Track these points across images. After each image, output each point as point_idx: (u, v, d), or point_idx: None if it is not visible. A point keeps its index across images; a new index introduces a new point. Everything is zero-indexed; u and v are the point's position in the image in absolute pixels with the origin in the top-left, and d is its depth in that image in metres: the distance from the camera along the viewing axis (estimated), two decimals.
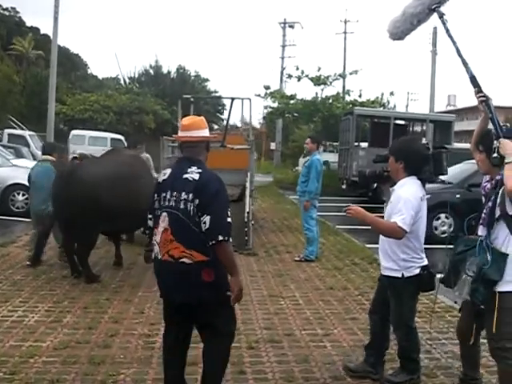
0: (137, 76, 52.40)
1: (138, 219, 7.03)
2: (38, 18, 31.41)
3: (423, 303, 7.31)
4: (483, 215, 4.54)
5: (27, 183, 10.07)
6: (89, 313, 7.14)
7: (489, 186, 4.63)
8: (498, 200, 4.32)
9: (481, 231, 4.54)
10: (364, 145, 25.28)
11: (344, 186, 24.32)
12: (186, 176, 4.22)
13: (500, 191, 4.29)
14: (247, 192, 12.87)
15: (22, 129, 32.61)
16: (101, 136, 33.97)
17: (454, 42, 4.68)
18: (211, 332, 4.37)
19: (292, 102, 30.71)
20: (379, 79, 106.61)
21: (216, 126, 46.69)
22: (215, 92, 52.92)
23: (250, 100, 16.16)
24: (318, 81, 29.72)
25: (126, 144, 22.64)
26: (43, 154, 10.06)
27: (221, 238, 4.06)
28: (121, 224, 9.06)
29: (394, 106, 44.94)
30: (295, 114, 31.99)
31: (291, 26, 48.62)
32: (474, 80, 4.56)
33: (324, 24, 64.10)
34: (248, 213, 11.76)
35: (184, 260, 4.11)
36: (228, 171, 14.20)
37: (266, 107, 33.92)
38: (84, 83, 48.69)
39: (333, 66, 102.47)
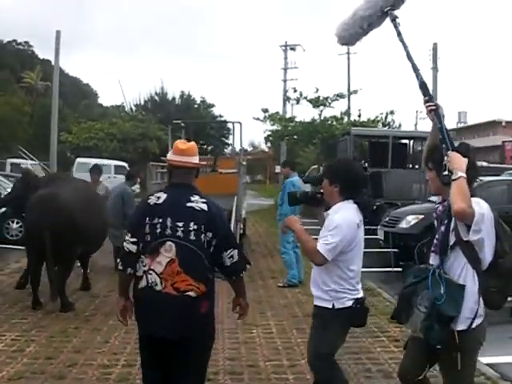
0: (142, 103, 52.86)
1: (101, 240, 8.70)
2: (50, 50, 32.00)
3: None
4: (435, 241, 4.04)
5: None
6: (53, 342, 7.06)
7: (441, 208, 4.11)
8: (452, 224, 3.86)
9: (433, 259, 4.02)
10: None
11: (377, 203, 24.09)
12: (190, 205, 4.09)
13: None
14: (233, 217, 12.78)
15: (32, 158, 32.87)
16: (105, 163, 34.08)
17: (405, 46, 4.32)
18: (193, 368, 4.13)
19: (291, 124, 30.65)
20: (385, 98, 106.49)
21: (226, 150, 46.88)
22: (220, 117, 53.21)
23: (241, 124, 16.31)
24: (316, 102, 29.64)
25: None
26: None
27: (248, 267, 4.23)
28: (91, 246, 9.47)
29: (400, 125, 44.80)
30: (295, 137, 31.88)
31: (292, 49, 48.75)
32: (423, 87, 4.19)
33: (326, 45, 64.16)
34: None
35: (190, 293, 3.97)
36: (216, 196, 14.17)
37: (265, 131, 33.83)
38: (89, 112, 49.15)
39: (336, 87, 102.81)
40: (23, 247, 10.49)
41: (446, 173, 3.81)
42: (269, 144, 57.07)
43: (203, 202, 4.15)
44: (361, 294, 4.52)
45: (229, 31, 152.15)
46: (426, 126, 36.27)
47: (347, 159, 6.13)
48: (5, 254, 13.65)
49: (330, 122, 29.81)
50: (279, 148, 44.86)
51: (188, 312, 4.00)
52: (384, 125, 33.42)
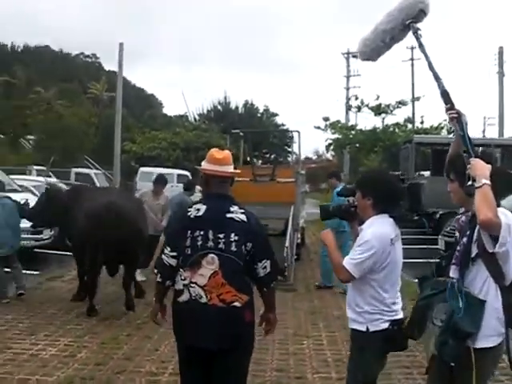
0: (205, 112, 53.38)
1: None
2: (116, 62, 32.73)
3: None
4: (456, 253, 3.82)
5: None
6: (104, 348, 7.18)
7: (464, 219, 3.90)
8: (475, 236, 3.62)
9: (453, 272, 3.78)
10: (426, 174, 24.59)
11: (416, 217, 23.64)
12: (230, 216, 4.08)
13: (477, 226, 3.53)
14: (289, 226, 12.75)
15: (97, 168, 33.64)
16: (167, 172, 34.52)
17: (427, 57, 4.18)
18: (236, 376, 4.19)
19: (352, 132, 30.39)
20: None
21: (290, 159, 46.79)
22: (283, 125, 53.21)
23: (299, 133, 16.26)
24: (378, 110, 29.29)
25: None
26: None
27: (279, 278, 4.13)
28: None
29: None
30: (357, 145, 31.54)
31: (355, 56, 48.28)
32: (445, 95, 4.00)
33: (389, 52, 62.66)
34: (287, 247, 11.63)
35: (235, 304, 4.00)
36: (274, 205, 14.20)
37: (326, 139, 33.57)
38: (154, 122, 49.96)
39: (400, 94, 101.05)
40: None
41: (469, 183, 3.56)
42: (332, 152, 56.71)
43: (242, 213, 4.14)
44: (399, 315, 4.14)
45: (292, 40, 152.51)
46: (495, 132, 35.05)
47: (381, 170, 5.47)
48: (67, 261, 13.94)
49: (392, 130, 29.40)
50: (343, 156, 44.52)
51: (235, 322, 4.03)
52: (449, 132, 32.71)
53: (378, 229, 4.07)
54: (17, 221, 9.83)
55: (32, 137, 38.70)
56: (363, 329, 4.10)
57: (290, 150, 52.08)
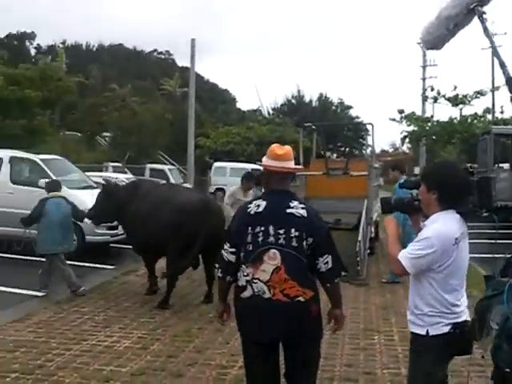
0: (279, 106, 53.51)
1: None
2: (189, 57, 33.26)
3: None
4: None
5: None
6: (176, 341, 7.31)
7: None
8: None
9: None
10: (506, 166, 23.81)
11: (485, 213, 22.95)
12: (290, 211, 4.07)
13: None
14: (362, 220, 12.62)
15: (172, 163, 34.20)
16: (241, 167, 34.76)
17: (492, 42, 4.11)
18: (303, 367, 4.21)
19: (428, 124, 29.70)
20: None
21: (365, 152, 46.36)
22: (357, 118, 52.71)
23: (372, 125, 16.04)
24: (455, 100, 28.50)
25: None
26: (49, 191, 10.22)
27: (343, 273, 4.17)
28: None
29: None
30: (433, 137, 30.78)
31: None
32: (510, 83, 3.87)
33: (468, 40, 60.68)
34: (360, 242, 11.52)
35: (299, 298, 4.00)
36: (347, 198, 14.08)
37: (401, 131, 32.92)
38: (228, 117, 50.39)
39: (478, 84, 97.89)
40: None
41: None
42: (408, 145, 55.79)
43: (302, 208, 4.13)
44: (462, 318, 3.86)
45: (367, 31, 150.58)
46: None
47: (448, 161, 4.93)
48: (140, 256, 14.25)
49: (469, 121, 28.59)
50: (419, 149, 43.73)
51: (300, 316, 4.04)
52: None
53: (442, 227, 3.79)
54: (69, 222, 9.96)
55: (108, 134, 39.68)
56: (423, 332, 3.86)
57: (364, 142, 52.01)
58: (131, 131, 33.45)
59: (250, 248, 4.05)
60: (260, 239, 4.03)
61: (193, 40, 28.37)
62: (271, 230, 4.02)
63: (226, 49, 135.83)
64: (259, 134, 40.82)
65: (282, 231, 4.01)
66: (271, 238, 4.01)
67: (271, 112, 52.81)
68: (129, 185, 11.12)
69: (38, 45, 72.03)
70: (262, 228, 4.04)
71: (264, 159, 4.31)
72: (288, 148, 4.33)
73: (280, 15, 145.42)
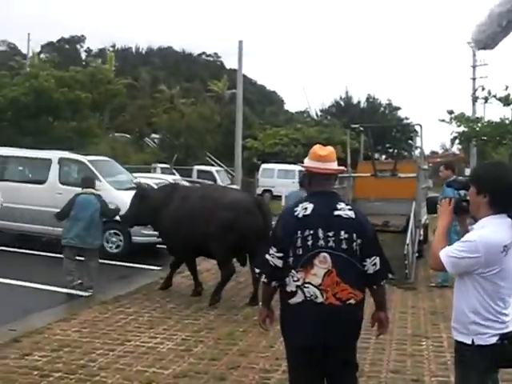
0: (327, 108, 53.37)
1: None
2: (237, 60, 33.33)
3: None
4: None
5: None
6: (220, 344, 7.24)
7: None
8: None
9: None
10: None
11: None
12: (338, 213, 4.01)
13: None
14: (411, 222, 12.38)
15: (219, 165, 34.34)
16: (289, 169, 34.75)
17: None
18: (349, 369, 4.17)
19: (478, 125, 28.98)
20: None
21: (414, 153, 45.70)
22: (406, 119, 52.06)
23: (421, 126, 15.72)
24: (506, 101, 27.69)
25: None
26: (83, 187, 10.33)
27: (390, 276, 4.13)
28: None
29: None
30: (484, 138, 30.02)
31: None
32: None
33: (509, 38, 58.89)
34: (408, 245, 11.28)
35: (351, 301, 3.96)
36: (395, 200, 13.86)
37: (451, 132, 32.21)
38: (275, 119, 50.40)
39: None
40: None
41: None
42: (458, 146, 54.84)
43: (349, 209, 4.07)
44: (510, 328, 3.61)
45: (415, 31, 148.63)
46: None
47: (500, 163, 4.54)
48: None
49: None
50: (469, 150, 42.90)
51: (352, 320, 4.03)
52: None
53: (490, 233, 3.56)
54: (96, 219, 9.99)
55: (156, 135, 40.06)
56: (468, 341, 3.62)
57: (412, 144, 51.20)
58: (179, 133, 33.68)
59: (300, 252, 3.96)
60: (310, 243, 3.95)
61: (240, 42, 28.41)
62: (320, 233, 3.95)
63: (274, 50, 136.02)
64: (307, 136, 40.74)
65: (331, 234, 3.95)
66: (321, 242, 3.95)
67: (319, 113, 52.73)
68: (164, 187, 11.19)
69: (89, 48, 73.38)
70: (311, 231, 3.96)
71: (306, 161, 4.24)
72: (330, 149, 4.24)
73: (328, 16, 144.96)
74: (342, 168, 4.39)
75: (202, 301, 9.42)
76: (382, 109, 53.96)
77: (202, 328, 7.94)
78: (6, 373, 6.10)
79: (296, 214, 4.04)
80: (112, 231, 13.25)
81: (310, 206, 4.04)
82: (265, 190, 35.77)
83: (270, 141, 41.15)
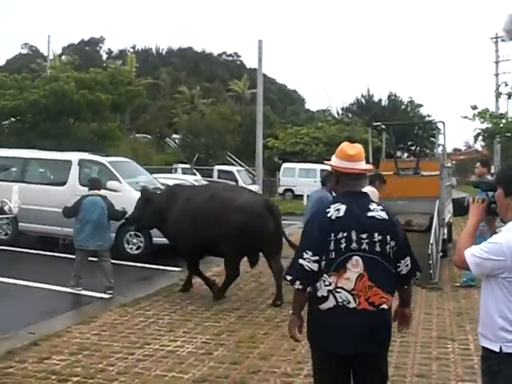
0: (348, 106, 53.15)
1: None
2: (257, 59, 33.24)
3: None
4: None
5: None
6: (241, 347, 7.10)
7: None
8: None
9: None
10: None
11: None
12: (371, 214, 3.88)
13: None
14: (435, 221, 12.15)
15: (240, 165, 34.27)
16: (310, 168, 34.62)
17: None
18: (379, 377, 4.00)
19: (503, 121, 28.59)
20: None
21: (435, 151, 45.26)
22: (428, 116, 51.60)
23: (444, 123, 15.53)
24: None
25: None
26: (90, 189, 10.37)
27: (418, 274, 4.08)
28: None
29: None
30: (507, 134, 29.61)
31: (504, 40, 45.65)
32: None
33: None
34: (432, 244, 11.06)
35: (383, 306, 3.83)
36: (418, 199, 13.64)
37: (475, 129, 31.83)
38: (296, 117, 50.26)
39: None
40: None
41: None
42: (482, 143, 54.24)
43: (382, 210, 3.94)
44: None
45: (436, 27, 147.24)
46: None
47: None
48: (207, 258, 14.13)
49: None
50: (493, 147, 42.38)
51: (385, 325, 3.92)
52: None
53: None
54: (103, 221, 10.01)
55: (177, 136, 40.11)
56: (496, 349, 3.38)
57: (435, 141, 50.79)
58: (199, 133, 33.67)
59: (333, 256, 3.81)
60: (343, 246, 3.81)
61: (260, 41, 28.27)
62: (354, 235, 3.82)
63: (294, 49, 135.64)
64: (328, 134, 40.57)
65: (364, 236, 3.82)
66: (354, 244, 3.81)
67: (340, 112, 52.50)
68: (169, 189, 11.12)
69: (109, 49, 73.70)
70: (345, 234, 3.82)
71: (334, 159, 4.07)
72: (359, 147, 4.08)
73: (347, 14, 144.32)
74: (371, 167, 4.23)
75: (222, 303, 9.31)
76: (404, 106, 53.59)
77: (223, 331, 7.81)
78: (24, 377, 6.05)
79: (329, 215, 3.88)
80: (132, 232, 13.17)
81: (342, 208, 3.89)
82: (286, 190, 35.68)
83: (291, 140, 41.06)
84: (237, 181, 26.53)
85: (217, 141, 33.44)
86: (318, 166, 34.73)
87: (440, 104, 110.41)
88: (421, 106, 53.77)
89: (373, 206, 3.93)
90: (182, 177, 21.52)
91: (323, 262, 3.82)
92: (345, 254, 3.79)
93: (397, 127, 26.27)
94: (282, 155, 40.83)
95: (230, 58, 74.21)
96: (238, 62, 72.72)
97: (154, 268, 12.28)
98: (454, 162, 20.89)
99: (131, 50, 65.49)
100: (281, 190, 35.93)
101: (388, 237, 3.85)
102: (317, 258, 3.81)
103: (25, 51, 68.01)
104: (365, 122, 45.80)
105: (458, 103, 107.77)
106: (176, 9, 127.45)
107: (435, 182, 13.39)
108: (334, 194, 11.73)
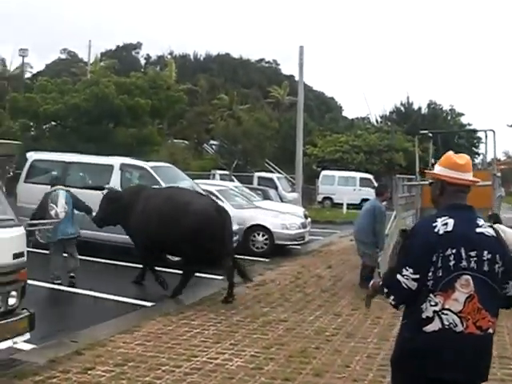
0: (387, 114, 52.66)
1: None
2: (294, 66, 33.24)
3: None
4: None
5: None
6: (292, 362, 6.78)
7: None
8: None
9: None
10: None
11: None
12: (480, 230, 3.61)
13: None
14: None
15: (279, 172, 34.02)
16: (350, 176, 34.27)
17: None
18: None
19: None
20: None
21: (476, 161, 44.50)
22: (469, 125, 50.72)
23: (494, 132, 15.04)
24: None
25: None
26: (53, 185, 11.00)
27: None
28: None
29: None
30: None
31: None
32: None
33: None
34: None
35: (490, 330, 3.57)
36: None
37: None
38: (334, 125, 49.89)
39: None
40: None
41: None
42: None
43: (490, 226, 3.67)
44: None
45: (477, 32, 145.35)
46: None
47: None
48: (250, 266, 13.83)
49: None
50: None
51: (490, 350, 3.69)
52: None
53: None
54: (70, 211, 10.64)
55: (214, 142, 40.03)
56: None
57: (477, 151, 49.91)
58: (238, 139, 33.52)
59: (440, 274, 3.53)
60: (452, 263, 3.53)
61: (301, 47, 27.84)
62: (463, 252, 3.54)
63: (331, 56, 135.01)
64: (368, 143, 40.19)
65: (473, 254, 3.54)
66: (464, 263, 3.53)
67: (379, 120, 51.99)
68: (130, 189, 11.94)
69: (148, 55, 74.06)
70: (454, 250, 3.54)
71: (440, 169, 3.79)
72: (467, 158, 3.82)
73: (386, 21, 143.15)
74: (478, 180, 3.90)
75: (268, 314, 8.99)
76: (444, 115, 52.84)
77: (272, 344, 7.49)
78: None
79: (436, 230, 3.59)
80: None
81: (450, 222, 3.60)
82: (325, 198, 35.33)
83: (330, 147, 40.78)
84: (277, 188, 26.16)
85: (255, 147, 33.21)
86: (358, 174, 34.41)
87: (481, 113, 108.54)
88: (462, 114, 52.87)
89: (481, 221, 3.67)
90: (221, 183, 21.25)
91: (430, 282, 3.55)
92: (454, 272, 3.54)
93: (439, 136, 25.67)
94: (321, 163, 40.56)
95: (268, 65, 74.13)
96: (275, 69, 72.55)
97: (196, 276, 11.98)
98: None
99: (169, 56, 65.76)
100: (319, 198, 35.57)
101: (497, 256, 3.59)
102: (417, 276, 3.56)
103: (64, 56, 68.67)
104: (404, 130, 45.31)
105: (499, 112, 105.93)
106: (214, 15, 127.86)
107: (487, 193, 12.93)
108: (384, 204, 11.70)
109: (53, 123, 27.74)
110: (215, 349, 7.20)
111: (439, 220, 3.60)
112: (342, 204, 30.26)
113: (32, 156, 15.83)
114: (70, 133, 26.30)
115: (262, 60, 74.65)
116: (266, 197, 21.81)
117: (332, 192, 34.75)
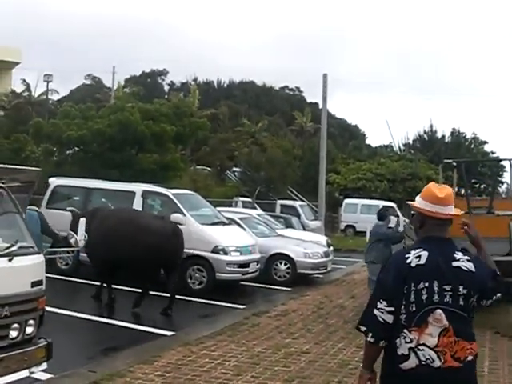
0: (411, 142, 52.51)
1: None
2: (317, 94, 33.34)
3: None
4: None
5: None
6: None
7: None
8: None
9: None
10: None
11: None
12: (457, 264, 3.51)
13: None
14: None
15: (301, 199, 33.90)
16: (373, 204, 34.06)
17: None
18: None
19: None
20: None
21: (500, 189, 44.01)
22: (493, 153, 50.25)
23: None
24: None
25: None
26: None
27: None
28: None
29: None
30: None
31: None
32: None
33: None
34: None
35: (469, 358, 3.45)
36: (491, 239, 12.96)
37: None
38: (357, 153, 49.74)
39: None
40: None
41: None
42: None
43: (468, 260, 3.52)
44: None
45: (500, 62, 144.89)
46: None
47: None
48: (271, 295, 13.68)
49: None
50: None
51: (472, 379, 3.53)
52: None
53: None
54: (38, 232, 10.12)
55: (237, 169, 40.04)
56: None
57: (501, 179, 49.41)
58: (261, 166, 33.47)
59: (414, 308, 3.44)
60: (424, 297, 3.44)
61: (325, 75, 27.85)
62: (435, 286, 3.45)
63: (353, 83, 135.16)
64: (391, 171, 40.01)
65: (448, 288, 3.45)
66: (436, 297, 3.44)
67: (402, 148, 51.82)
68: (91, 210, 12.23)
69: (172, 82, 74.46)
70: (426, 284, 3.46)
71: (420, 201, 3.67)
72: (449, 189, 3.70)
73: (409, 48, 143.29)
74: (459, 213, 3.73)
75: (290, 345, 8.80)
76: (467, 143, 52.53)
77: (294, 376, 7.30)
78: None
79: (408, 261, 3.51)
80: (195, 267, 12.82)
81: (424, 254, 3.52)
82: (347, 226, 35.09)
83: (352, 175, 40.63)
84: (299, 216, 25.94)
85: (278, 174, 33.14)
86: (381, 203, 34.08)
87: (504, 141, 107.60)
88: (485, 142, 52.48)
89: (458, 255, 3.53)
90: (243, 211, 21.10)
91: (403, 316, 3.46)
92: (426, 306, 3.44)
93: (463, 165, 25.41)
94: (343, 190, 40.39)
95: (292, 93, 74.30)
96: (299, 96, 72.62)
97: (217, 305, 11.85)
98: None
99: (193, 83, 66.22)
100: (342, 226, 35.33)
101: (472, 291, 3.48)
102: (392, 308, 3.48)
103: (88, 82, 69.32)
104: (428, 158, 45.02)
105: None
106: (239, 43, 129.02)
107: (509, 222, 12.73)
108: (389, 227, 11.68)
109: (76, 149, 27.84)
110: (236, 381, 7.03)
111: (412, 252, 3.53)
112: (364, 232, 29.98)
113: (54, 182, 15.86)
114: (92, 158, 26.34)
115: (285, 87, 74.85)
116: (289, 225, 21.60)
117: (355, 220, 34.50)
